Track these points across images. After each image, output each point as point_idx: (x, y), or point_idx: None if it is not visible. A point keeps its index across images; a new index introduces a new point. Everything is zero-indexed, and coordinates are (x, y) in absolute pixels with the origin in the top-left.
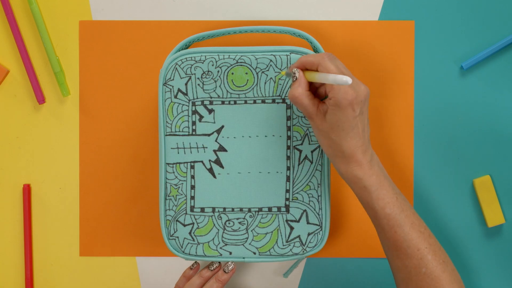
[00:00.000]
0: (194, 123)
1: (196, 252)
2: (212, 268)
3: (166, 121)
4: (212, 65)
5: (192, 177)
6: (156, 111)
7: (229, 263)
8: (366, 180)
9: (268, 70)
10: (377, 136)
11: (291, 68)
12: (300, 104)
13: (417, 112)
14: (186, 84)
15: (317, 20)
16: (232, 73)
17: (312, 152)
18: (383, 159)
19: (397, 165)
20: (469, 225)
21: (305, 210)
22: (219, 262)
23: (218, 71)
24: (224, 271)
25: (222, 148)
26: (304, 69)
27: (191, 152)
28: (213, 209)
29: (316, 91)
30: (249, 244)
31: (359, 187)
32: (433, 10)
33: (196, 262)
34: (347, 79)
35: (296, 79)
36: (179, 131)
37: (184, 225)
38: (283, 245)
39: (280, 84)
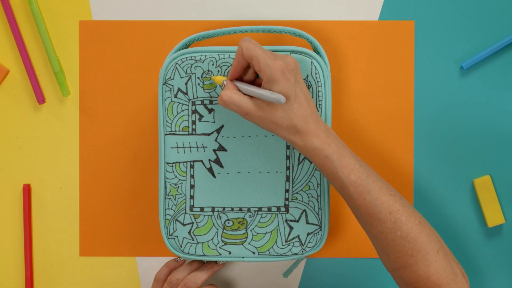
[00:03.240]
0: (194, 122)
1: (195, 252)
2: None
3: (166, 121)
4: (212, 64)
5: (192, 176)
6: (156, 111)
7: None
8: (326, 149)
9: None
10: (377, 136)
11: (221, 80)
12: (232, 103)
13: (417, 112)
14: (186, 83)
15: (317, 20)
16: None
17: None
18: (383, 159)
19: (397, 165)
20: (469, 225)
21: (304, 210)
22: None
23: (218, 71)
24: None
25: (221, 148)
26: (237, 75)
27: (190, 152)
28: (213, 209)
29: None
30: (249, 243)
31: (320, 158)
32: (433, 10)
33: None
34: (280, 98)
35: (223, 87)
36: (179, 131)
37: (184, 225)
38: (283, 245)
39: None
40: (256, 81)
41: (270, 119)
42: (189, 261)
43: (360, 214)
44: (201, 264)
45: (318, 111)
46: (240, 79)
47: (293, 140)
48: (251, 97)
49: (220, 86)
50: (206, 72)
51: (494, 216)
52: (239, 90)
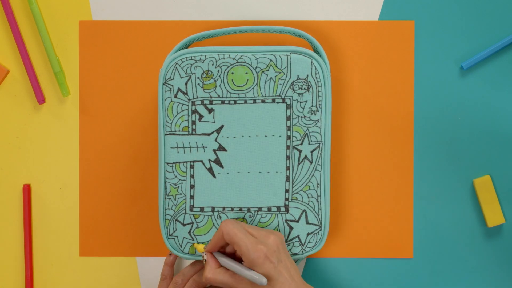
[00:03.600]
0: (194, 122)
1: (195, 252)
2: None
3: (166, 121)
4: (212, 64)
5: (192, 176)
6: (156, 111)
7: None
8: None
9: (268, 70)
10: (377, 136)
11: (206, 251)
12: (216, 282)
13: (417, 112)
14: (186, 83)
15: (317, 20)
16: (232, 73)
17: (311, 152)
18: (383, 159)
19: (397, 165)
20: (469, 225)
21: (304, 210)
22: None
23: (218, 71)
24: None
25: (221, 148)
26: (215, 250)
27: (190, 152)
28: (213, 209)
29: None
30: None
31: None
32: (433, 10)
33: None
34: (261, 279)
35: (205, 261)
36: (179, 131)
37: (184, 225)
38: None
39: (280, 84)
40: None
41: None
42: (194, 261)
43: None
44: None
45: (318, 111)
46: (223, 249)
47: None
48: (233, 273)
49: (200, 254)
50: (206, 72)
51: (494, 216)
52: (220, 265)
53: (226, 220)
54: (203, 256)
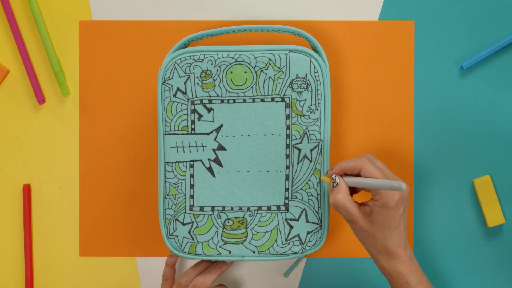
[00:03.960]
0: (193, 122)
1: (195, 251)
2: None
3: (165, 120)
4: (211, 64)
5: (191, 176)
6: (156, 111)
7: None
8: (408, 275)
9: (267, 69)
10: (377, 136)
11: (330, 174)
12: (342, 209)
13: (417, 112)
14: (185, 83)
15: (317, 20)
16: (231, 72)
17: (311, 150)
18: (383, 159)
19: (397, 165)
20: (469, 225)
21: (304, 209)
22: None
23: (217, 70)
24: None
25: (221, 147)
26: (344, 174)
27: (190, 151)
28: (213, 208)
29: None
30: (249, 243)
31: (400, 282)
32: (433, 10)
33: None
34: (401, 185)
35: (336, 185)
36: (178, 130)
37: (184, 224)
38: (283, 244)
39: (279, 83)
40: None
41: (368, 234)
42: (197, 262)
43: None
44: (209, 265)
45: (317, 109)
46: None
47: (379, 260)
48: (359, 206)
49: (329, 184)
50: (205, 71)
51: (494, 216)
52: (349, 193)
53: (369, 156)
54: (334, 180)
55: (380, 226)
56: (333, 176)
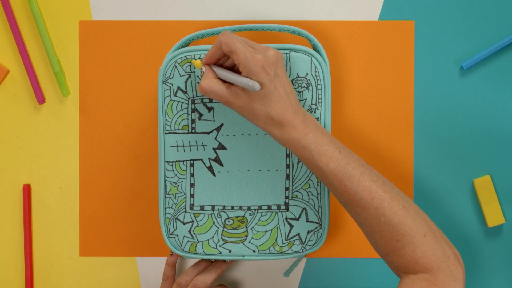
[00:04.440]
0: (193, 121)
1: (195, 250)
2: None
3: (166, 119)
4: None
5: (192, 175)
6: (156, 110)
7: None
8: (303, 139)
9: None
10: (377, 136)
11: (203, 63)
12: (212, 93)
13: (417, 112)
14: (185, 82)
15: (317, 20)
16: None
17: None
18: (383, 159)
19: (397, 165)
20: (469, 225)
21: (304, 208)
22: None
23: None
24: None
25: (221, 146)
26: (213, 62)
27: (190, 150)
28: (213, 207)
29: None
30: (249, 242)
31: (298, 148)
32: (433, 10)
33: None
34: (255, 85)
35: (203, 73)
36: (179, 129)
37: (184, 223)
38: (283, 243)
39: None
40: (235, 67)
41: (249, 110)
42: (197, 261)
43: (344, 201)
44: (209, 264)
45: (318, 109)
46: (219, 65)
47: (271, 131)
48: (230, 85)
49: (199, 70)
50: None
51: (494, 216)
52: (218, 77)
53: (225, 31)
54: (201, 69)
55: (254, 96)
56: (201, 66)
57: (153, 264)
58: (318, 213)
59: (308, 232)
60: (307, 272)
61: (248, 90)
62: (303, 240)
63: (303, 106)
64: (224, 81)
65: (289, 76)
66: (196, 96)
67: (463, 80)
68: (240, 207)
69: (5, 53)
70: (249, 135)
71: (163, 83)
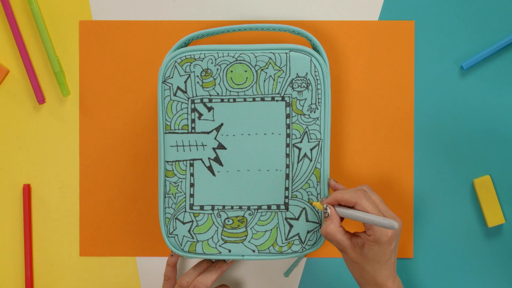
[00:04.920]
0: (193, 121)
1: (195, 250)
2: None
3: (165, 119)
4: (212, 63)
5: (191, 175)
6: (156, 110)
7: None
8: None
9: (267, 68)
10: (377, 136)
11: (323, 203)
12: (333, 240)
13: (417, 112)
14: (185, 82)
15: (317, 20)
16: (232, 71)
17: (311, 150)
18: (383, 159)
19: (397, 165)
20: (469, 225)
21: (304, 208)
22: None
23: (217, 69)
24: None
25: (221, 146)
26: (337, 204)
27: (190, 150)
28: (212, 207)
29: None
30: (248, 242)
31: None
32: (433, 10)
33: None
34: (394, 224)
35: (328, 215)
36: (178, 129)
37: (184, 223)
38: (282, 243)
39: (279, 82)
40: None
41: (358, 266)
42: (198, 262)
43: None
44: (210, 264)
45: (317, 109)
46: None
47: None
48: (351, 237)
49: (321, 211)
50: (205, 70)
51: (494, 216)
52: (340, 223)
53: (362, 196)
54: (325, 210)
55: (370, 259)
56: (325, 206)
57: (153, 264)
58: (317, 213)
59: (308, 232)
60: (307, 272)
61: (368, 252)
62: (303, 240)
63: (303, 106)
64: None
65: (289, 76)
66: (196, 96)
67: (463, 80)
68: (240, 207)
69: (5, 53)
70: (249, 135)
71: (163, 83)
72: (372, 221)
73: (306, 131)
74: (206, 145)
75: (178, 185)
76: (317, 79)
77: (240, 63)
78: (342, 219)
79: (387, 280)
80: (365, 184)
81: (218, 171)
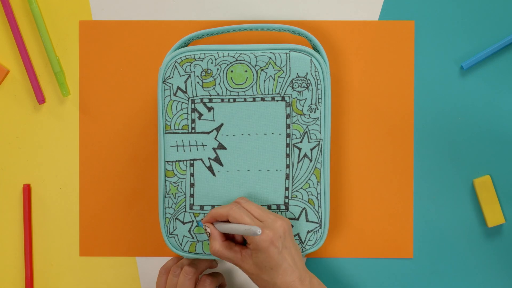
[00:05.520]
0: (193, 121)
1: (195, 250)
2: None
3: (166, 119)
4: (212, 63)
5: (192, 175)
6: (156, 110)
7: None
8: None
9: (267, 68)
10: (377, 136)
11: (203, 222)
12: (222, 258)
13: (417, 112)
14: (185, 82)
15: (317, 20)
16: (232, 71)
17: (311, 150)
18: (383, 159)
19: (397, 164)
20: (469, 225)
21: (304, 208)
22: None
23: (217, 69)
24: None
25: (221, 146)
26: (215, 221)
27: (190, 150)
28: (213, 207)
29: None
30: None
31: None
32: (433, 10)
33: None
34: (256, 230)
35: (209, 235)
36: (179, 129)
37: (184, 223)
38: None
39: (279, 82)
40: None
41: (256, 277)
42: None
43: None
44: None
45: (317, 109)
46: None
47: None
48: (241, 250)
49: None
50: (205, 70)
51: (494, 216)
52: (225, 238)
53: (235, 204)
54: (205, 229)
55: (263, 268)
56: (204, 226)
57: (153, 264)
58: (318, 213)
59: (308, 232)
60: None
61: (256, 261)
62: (303, 240)
63: (303, 106)
64: (235, 243)
65: (289, 76)
66: (196, 96)
67: (463, 80)
68: None
69: (5, 53)
70: (249, 135)
71: (163, 83)
72: (238, 230)
73: (306, 131)
74: (206, 145)
75: (178, 185)
76: (317, 79)
77: (240, 63)
78: (228, 234)
79: (291, 285)
80: (241, 197)
81: (218, 171)
